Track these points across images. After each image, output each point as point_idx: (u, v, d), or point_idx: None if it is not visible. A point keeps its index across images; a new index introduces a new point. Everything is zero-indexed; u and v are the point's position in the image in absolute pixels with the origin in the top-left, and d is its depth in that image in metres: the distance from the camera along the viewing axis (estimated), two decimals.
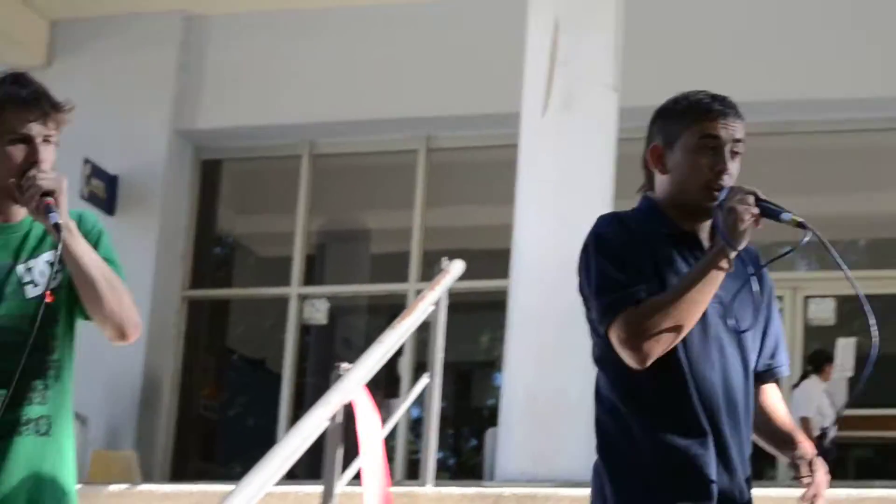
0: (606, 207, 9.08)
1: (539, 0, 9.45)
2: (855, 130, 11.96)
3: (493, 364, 13.84)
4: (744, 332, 3.13)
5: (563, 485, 7.26)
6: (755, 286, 3.16)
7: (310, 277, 13.33)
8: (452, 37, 11.99)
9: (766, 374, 3.26)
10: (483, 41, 11.72)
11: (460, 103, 12.21)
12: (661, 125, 3.22)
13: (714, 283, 3.01)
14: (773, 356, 3.26)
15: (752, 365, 3.17)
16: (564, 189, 9.01)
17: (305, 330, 13.39)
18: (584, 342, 9.32)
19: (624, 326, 2.99)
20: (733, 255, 3.02)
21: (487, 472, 10.40)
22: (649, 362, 2.99)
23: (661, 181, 3.21)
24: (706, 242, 3.17)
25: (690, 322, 2.99)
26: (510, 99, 9.57)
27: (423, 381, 7.04)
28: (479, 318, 14.13)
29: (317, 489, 5.71)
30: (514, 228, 9.16)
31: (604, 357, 3.13)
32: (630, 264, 3.06)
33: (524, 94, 9.30)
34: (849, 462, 12.81)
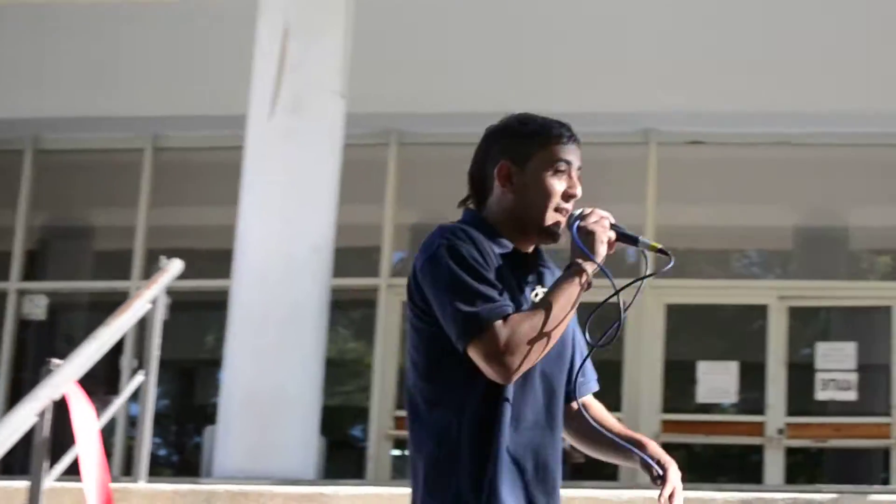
0: (331, 212, 9.24)
1: (269, 3, 9.53)
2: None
3: (217, 362, 13.82)
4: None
5: (279, 482, 7.32)
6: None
7: (30, 273, 13.12)
8: (183, 36, 11.92)
9: (577, 392, 3.26)
10: (213, 42, 11.67)
11: (188, 103, 12.19)
12: (508, 145, 3.18)
13: (576, 302, 3.01)
14: (584, 373, 3.28)
15: (563, 379, 3.19)
16: (289, 192, 9.11)
17: (24, 325, 13.18)
18: (303, 342, 9.46)
19: (493, 342, 2.92)
20: (592, 275, 3.03)
21: (205, 470, 10.43)
22: (514, 378, 2.96)
23: (504, 199, 3.17)
24: (536, 264, 3.19)
25: (555, 339, 2.99)
26: (239, 101, 9.61)
27: (139, 377, 7.05)
28: (204, 317, 14.09)
29: (24, 484, 5.66)
30: (237, 229, 9.22)
31: (434, 373, 3.08)
32: (488, 279, 3.00)
33: (252, 97, 9.34)
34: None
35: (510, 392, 3.01)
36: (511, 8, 11.44)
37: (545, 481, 3.08)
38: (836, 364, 12.08)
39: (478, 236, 3.07)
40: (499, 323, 2.93)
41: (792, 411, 12.03)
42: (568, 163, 3.15)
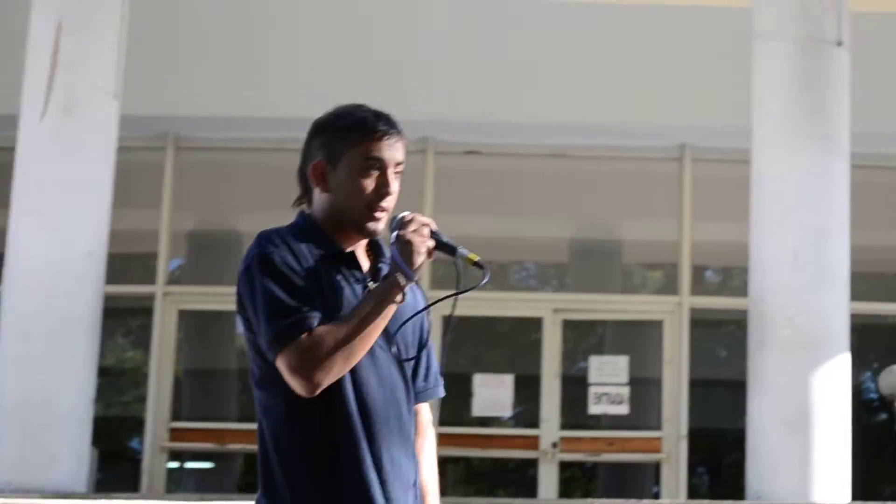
0: (105, 217, 9.00)
1: None
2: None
3: None
4: (409, 360, 3.13)
5: (49, 496, 7.14)
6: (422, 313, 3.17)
7: None
8: None
9: (420, 396, 3.23)
10: None
11: None
12: (324, 141, 3.13)
13: (387, 316, 2.98)
14: (426, 378, 3.25)
15: (412, 392, 3.16)
16: (62, 196, 8.85)
17: None
18: (75, 351, 9.18)
19: (296, 355, 2.91)
20: (407, 287, 3.00)
21: None
22: (319, 391, 2.93)
23: (322, 199, 3.14)
24: (364, 262, 3.15)
25: (362, 352, 2.96)
26: (12, 101, 9.30)
27: None
28: None
29: None
30: (7, 234, 8.92)
31: (266, 381, 3.05)
32: (298, 288, 2.97)
33: (24, 97, 9.05)
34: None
35: (350, 399, 3.00)
36: (289, 12, 11.36)
37: (393, 488, 3.04)
38: (609, 378, 12.26)
39: (293, 241, 3.04)
40: (303, 337, 2.92)
41: (566, 425, 12.16)
42: (380, 160, 3.10)
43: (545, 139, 12.43)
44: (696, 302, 12.55)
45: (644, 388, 12.35)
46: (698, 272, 13.68)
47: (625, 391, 12.21)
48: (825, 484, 8.51)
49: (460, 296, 3.07)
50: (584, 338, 13.12)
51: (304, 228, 3.12)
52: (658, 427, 12.22)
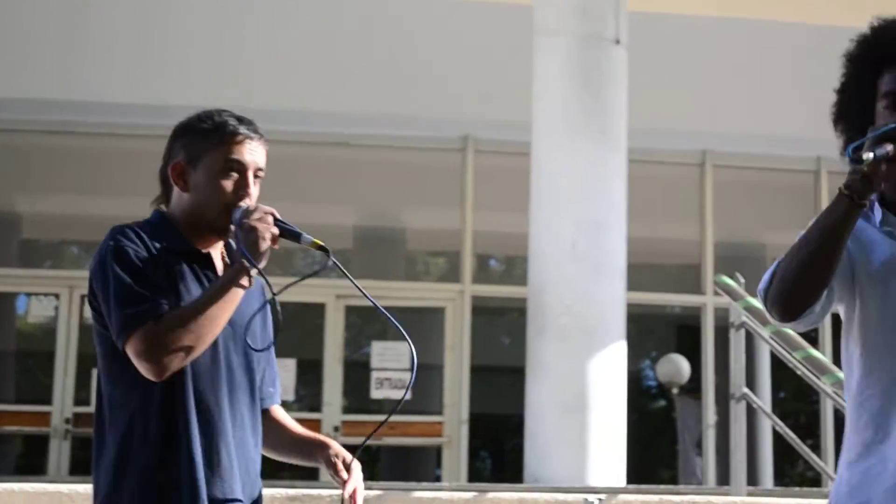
0: None
1: None
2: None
3: None
4: (261, 350, 3.18)
5: None
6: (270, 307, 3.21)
7: None
8: None
9: (265, 400, 3.28)
10: None
11: None
12: (186, 142, 3.16)
13: (234, 301, 3.02)
14: (273, 384, 3.30)
15: (258, 386, 3.20)
16: None
17: None
18: None
19: (144, 340, 2.95)
20: (254, 273, 3.03)
21: None
22: (166, 376, 2.97)
23: (181, 199, 3.17)
24: (219, 264, 3.18)
25: (210, 338, 3.00)
26: None
27: None
28: None
29: None
30: None
31: (111, 371, 3.07)
32: (149, 278, 3.01)
33: None
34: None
35: (189, 393, 3.04)
36: None
37: (233, 481, 3.08)
38: (392, 363, 12.41)
39: (147, 237, 3.08)
40: (151, 322, 2.96)
41: (348, 409, 12.27)
42: (240, 163, 3.15)
43: (330, 127, 12.49)
44: (477, 290, 12.78)
45: (426, 374, 12.52)
46: (482, 261, 13.92)
47: (407, 376, 12.37)
48: (601, 468, 8.76)
49: (305, 280, 3.16)
50: (367, 324, 13.24)
51: (159, 226, 3.16)
52: (440, 412, 12.42)
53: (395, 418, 12.30)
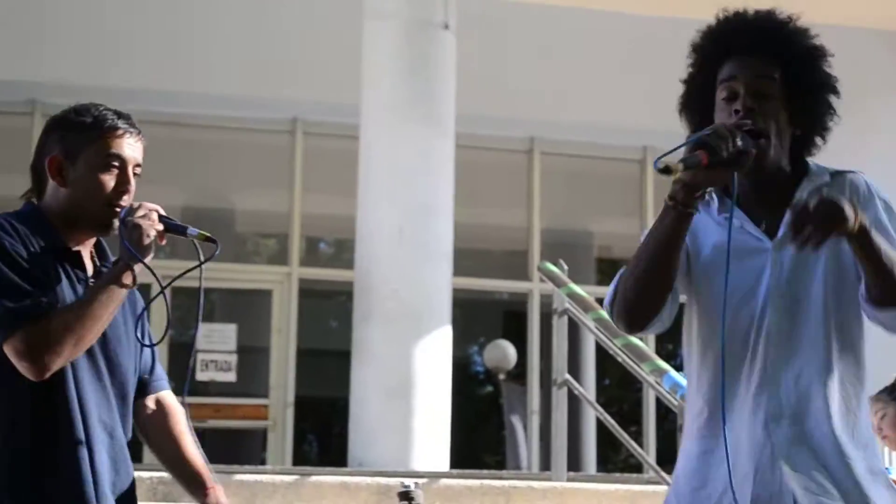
0: None
1: None
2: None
3: None
4: (152, 345, 3.18)
5: None
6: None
7: None
8: None
9: (149, 388, 3.25)
10: None
11: None
12: (62, 136, 3.10)
13: (118, 300, 2.98)
14: (151, 371, 3.26)
15: (133, 383, 3.16)
16: None
17: None
18: None
19: (25, 338, 2.87)
20: (138, 270, 2.99)
21: None
22: (48, 375, 2.90)
23: (57, 194, 3.10)
24: (89, 262, 3.12)
25: (93, 337, 2.95)
26: None
27: None
28: None
29: None
30: None
31: None
32: (29, 273, 2.93)
33: None
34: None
35: (72, 392, 2.99)
36: None
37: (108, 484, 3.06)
38: (218, 345, 12.31)
39: (23, 230, 3.01)
40: (33, 320, 2.90)
41: (173, 391, 12.12)
42: (121, 157, 3.11)
43: (159, 107, 12.31)
44: (305, 273, 12.74)
45: (252, 357, 12.46)
46: (311, 244, 13.88)
47: (233, 359, 12.30)
48: (425, 452, 8.81)
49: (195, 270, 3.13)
50: (194, 305, 13.10)
51: (31, 219, 3.09)
52: (265, 395, 12.36)
53: (220, 400, 12.20)
